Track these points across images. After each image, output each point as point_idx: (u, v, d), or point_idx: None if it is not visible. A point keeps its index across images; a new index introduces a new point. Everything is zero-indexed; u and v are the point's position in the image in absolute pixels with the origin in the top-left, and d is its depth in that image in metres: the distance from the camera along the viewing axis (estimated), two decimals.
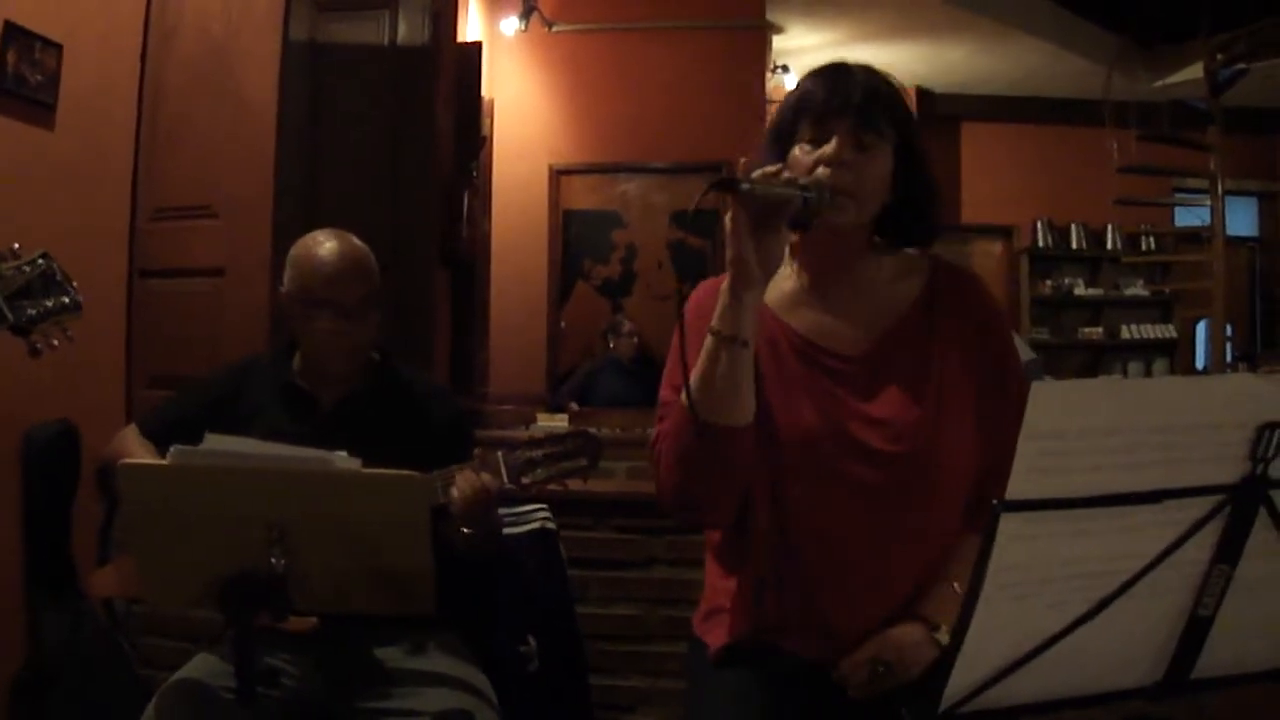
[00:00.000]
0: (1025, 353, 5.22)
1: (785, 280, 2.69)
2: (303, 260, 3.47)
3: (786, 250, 2.50)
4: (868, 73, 2.58)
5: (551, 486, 3.36)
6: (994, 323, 2.68)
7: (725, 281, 2.38)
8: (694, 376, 2.42)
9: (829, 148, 2.48)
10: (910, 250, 2.77)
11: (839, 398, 2.55)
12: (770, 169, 2.33)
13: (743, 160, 2.31)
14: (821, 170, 2.46)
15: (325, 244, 3.46)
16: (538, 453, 3.32)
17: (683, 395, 2.44)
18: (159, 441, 3.39)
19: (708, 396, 2.40)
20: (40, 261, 2.95)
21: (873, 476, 2.49)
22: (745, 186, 2.27)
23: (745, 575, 2.65)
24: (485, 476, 3.14)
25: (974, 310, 2.65)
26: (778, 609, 2.58)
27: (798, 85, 2.63)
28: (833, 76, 2.57)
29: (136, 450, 3.45)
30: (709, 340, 2.40)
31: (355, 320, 3.42)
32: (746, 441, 2.45)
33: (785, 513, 2.54)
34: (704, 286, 2.70)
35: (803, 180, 2.39)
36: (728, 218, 2.33)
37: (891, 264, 2.70)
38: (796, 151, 2.53)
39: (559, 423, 7.71)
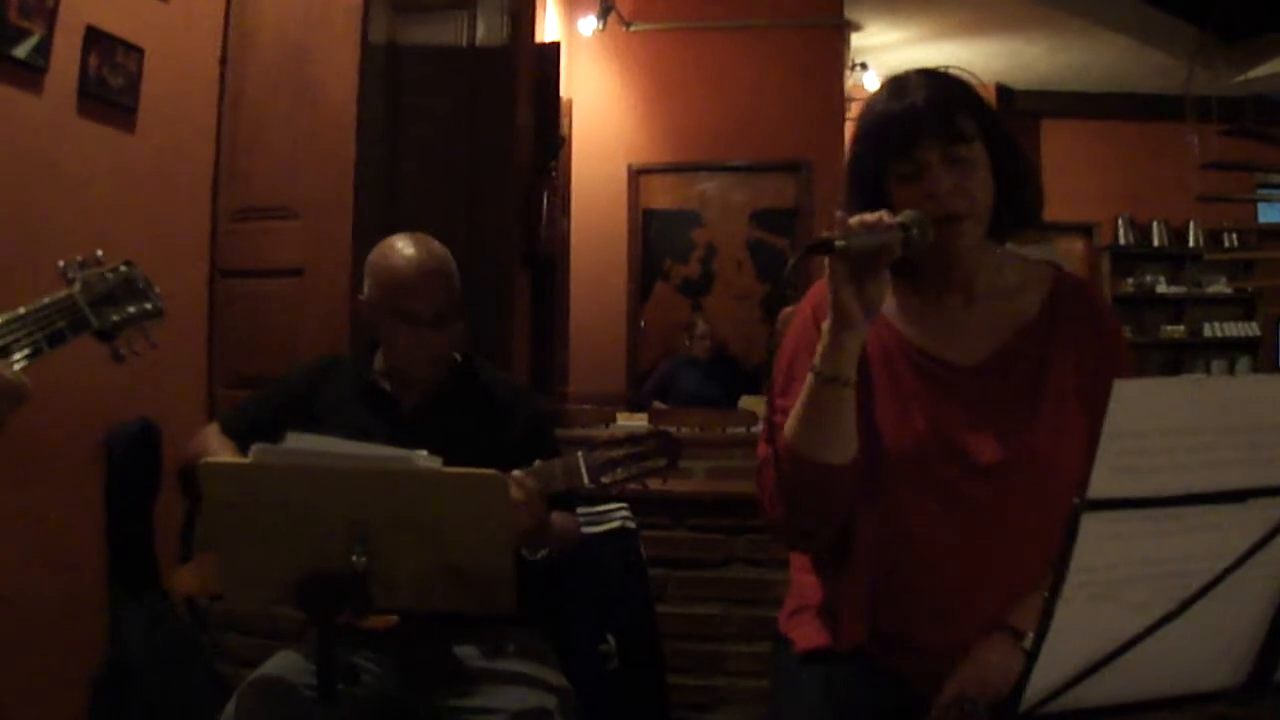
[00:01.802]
0: None
1: (906, 292, 2.67)
2: (381, 269, 3.48)
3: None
4: (940, 79, 2.55)
5: (631, 486, 3.36)
6: (1112, 335, 2.64)
7: (828, 322, 2.37)
8: (794, 414, 2.43)
9: (930, 184, 2.45)
10: (1033, 258, 2.74)
11: (951, 408, 2.53)
12: (869, 217, 2.31)
13: (838, 213, 2.28)
14: (902, 200, 2.45)
15: (404, 252, 3.46)
16: (617, 452, 3.32)
17: (784, 430, 2.45)
18: (240, 439, 3.42)
19: (809, 435, 2.41)
20: (123, 268, 2.98)
21: (979, 489, 2.47)
22: (841, 244, 2.25)
23: (839, 587, 2.63)
24: (517, 493, 3.11)
25: (1093, 322, 2.60)
26: (867, 620, 2.57)
27: (864, 117, 2.59)
28: (899, 97, 2.52)
29: (217, 449, 3.48)
30: (810, 379, 2.39)
31: (434, 330, 3.43)
32: (848, 478, 2.44)
33: (887, 523, 2.53)
34: (806, 304, 2.68)
35: (901, 219, 2.36)
36: (826, 267, 2.32)
37: (1014, 274, 2.67)
38: (898, 189, 2.49)
39: (639, 422, 7.72)
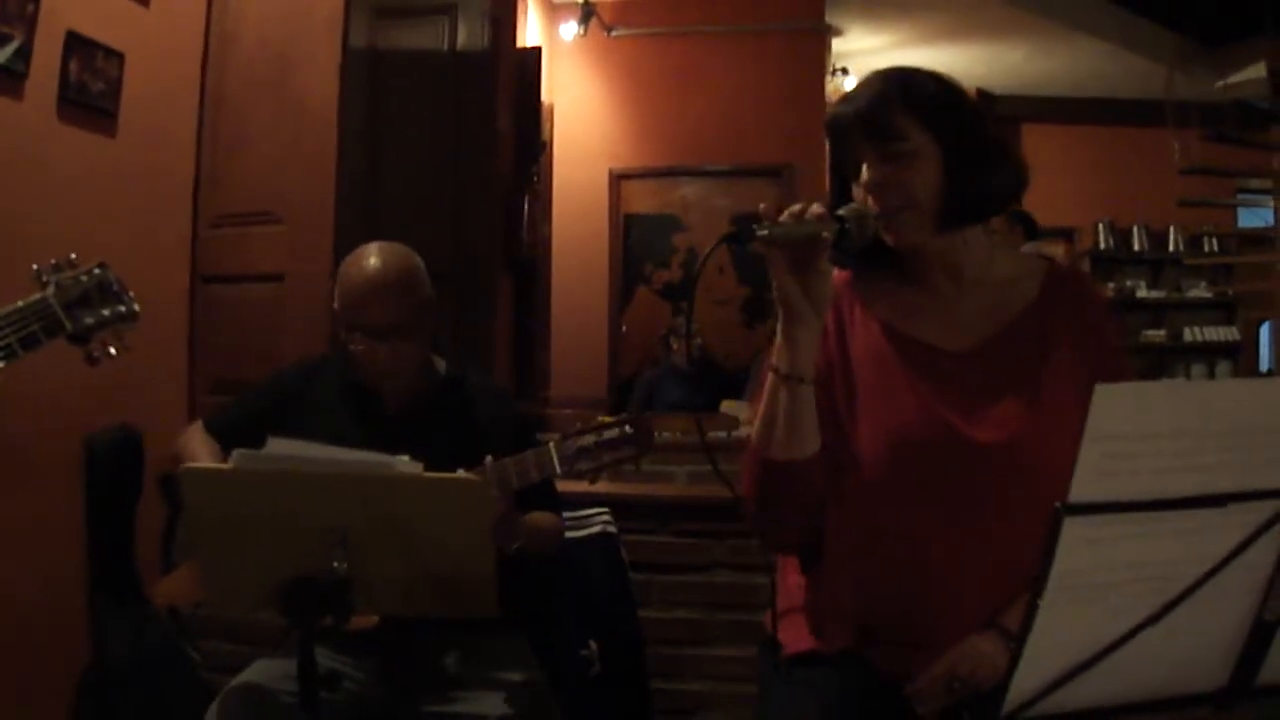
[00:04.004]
0: None
1: (897, 288, 2.67)
2: (342, 279, 3.51)
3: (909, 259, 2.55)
4: (877, 81, 2.57)
5: (603, 474, 3.37)
6: (1106, 323, 2.66)
7: (780, 319, 2.38)
8: (757, 414, 2.45)
9: (864, 174, 2.48)
10: (1027, 250, 2.75)
11: (945, 395, 2.53)
12: (796, 207, 2.32)
13: (762, 205, 2.30)
14: (857, 198, 2.48)
15: (366, 263, 3.48)
16: (589, 440, 3.33)
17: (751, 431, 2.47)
18: (224, 437, 3.43)
19: (770, 433, 2.43)
20: (97, 271, 2.98)
21: (973, 474, 2.45)
22: (763, 233, 2.26)
23: (826, 583, 2.64)
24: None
25: (1087, 311, 2.61)
26: (856, 621, 2.57)
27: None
28: (844, 102, 2.57)
29: (199, 450, 3.49)
30: (769, 378, 2.41)
31: (385, 343, 3.44)
32: (812, 473, 2.45)
33: (879, 519, 2.52)
34: None
35: (840, 211, 2.38)
36: (768, 261, 2.33)
37: (1007, 264, 2.68)
38: (854, 188, 2.53)
39: None
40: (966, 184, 2.50)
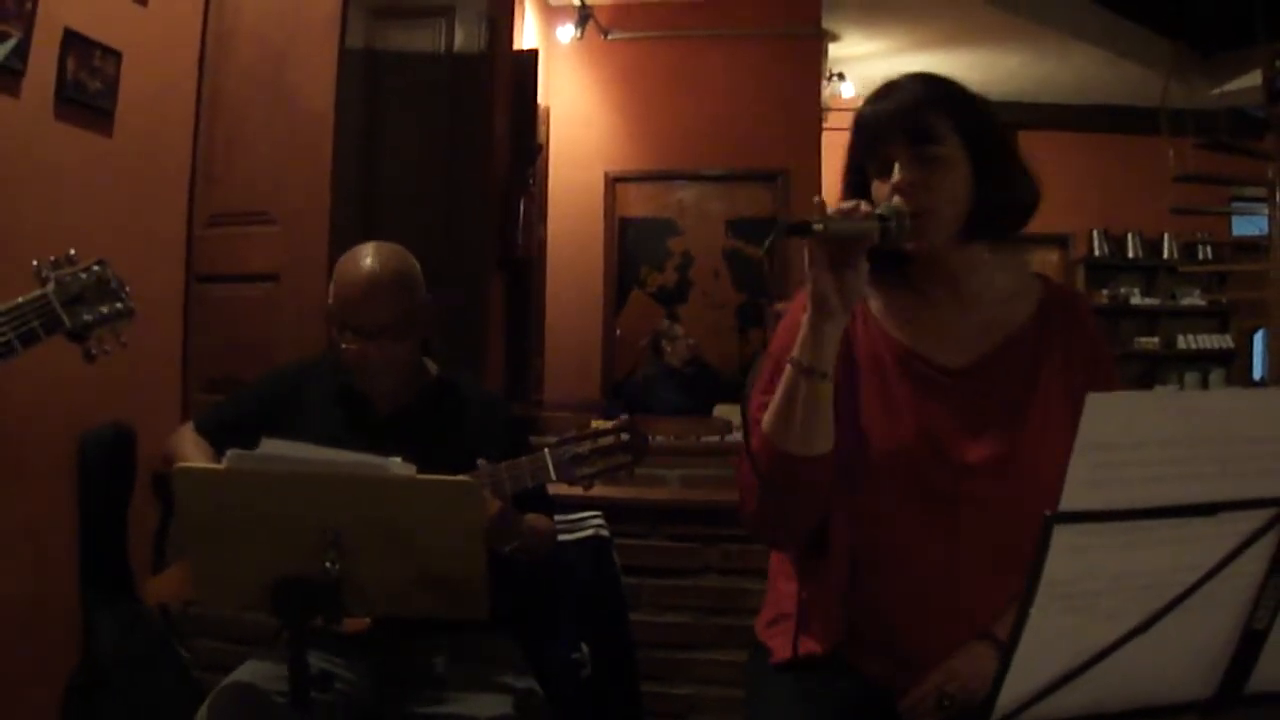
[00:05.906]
0: None
1: (896, 293, 2.67)
2: (337, 277, 3.51)
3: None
4: (917, 82, 2.56)
5: (597, 480, 3.37)
6: (1100, 347, 2.65)
7: (806, 313, 2.36)
8: (772, 407, 2.42)
9: (894, 176, 2.46)
10: (1023, 268, 2.74)
11: (939, 411, 2.53)
12: (847, 204, 2.32)
13: (816, 198, 2.29)
14: (896, 198, 2.45)
15: (361, 263, 3.47)
16: (584, 448, 3.33)
17: (762, 423, 2.45)
18: (215, 439, 3.44)
19: (786, 427, 2.39)
20: (96, 268, 2.98)
21: (964, 492, 2.46)
22: (818, 227, 2.23)
23: (817, 588, 2.63)
24: (489, 499, 3.13)
25: (1082, 333, 2.62)
26: (848, 626, 2.56)
27: (854, 117, 2.61)
28: (879, 99, 2.56)
29: (191, 451, 3.48)
30: (788, 371, 2.38)
31: (378, 343, 3.43)
32: (824, 469, 2.43)
33: (869, 527, 2.52)
34: (797, 304, 2.63)
35: (880, 210, 2.37)
36: (805, 253, 2.32)
37: (1007, 280, 2.68)
38: (874, 185, 2.51)
39: None
40: (991, 197, 2.52)
